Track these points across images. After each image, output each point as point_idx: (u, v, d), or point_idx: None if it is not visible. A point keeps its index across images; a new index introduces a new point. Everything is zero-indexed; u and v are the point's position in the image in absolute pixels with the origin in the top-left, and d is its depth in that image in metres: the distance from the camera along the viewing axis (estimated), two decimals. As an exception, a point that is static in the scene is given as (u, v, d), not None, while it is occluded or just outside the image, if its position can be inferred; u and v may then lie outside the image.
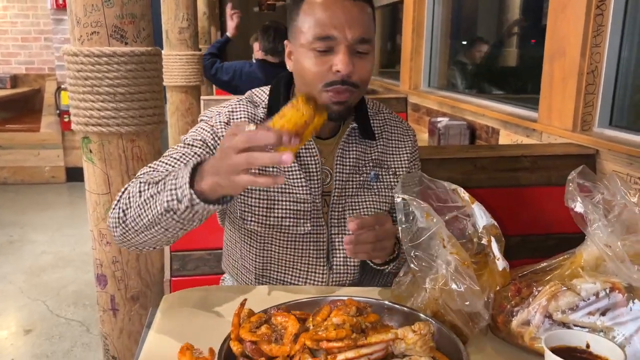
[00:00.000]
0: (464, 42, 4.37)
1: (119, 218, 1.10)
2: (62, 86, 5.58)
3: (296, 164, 1.26)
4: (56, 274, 3.59)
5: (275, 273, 1.33)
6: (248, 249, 1.33)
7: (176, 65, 3.84)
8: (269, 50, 3.79)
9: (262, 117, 1.27)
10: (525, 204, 1.98)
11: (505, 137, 2.79)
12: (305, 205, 1.26)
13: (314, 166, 1.27)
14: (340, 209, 1.30)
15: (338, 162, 1.29)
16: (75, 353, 2.70)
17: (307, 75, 1.18)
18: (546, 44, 2.38)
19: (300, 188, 1.26)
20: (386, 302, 1.07)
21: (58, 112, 5.62)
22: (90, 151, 1.54)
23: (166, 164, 1.19)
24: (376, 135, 1.34)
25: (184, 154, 1.20)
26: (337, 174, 1.29)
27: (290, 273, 1.32)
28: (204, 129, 1.26)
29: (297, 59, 1.21)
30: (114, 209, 1.13)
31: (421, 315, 1.01)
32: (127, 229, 1.09)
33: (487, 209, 1.14)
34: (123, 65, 1.46)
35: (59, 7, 5.62)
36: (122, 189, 1.15)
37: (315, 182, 1.27)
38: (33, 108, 6.37)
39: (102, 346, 1.72)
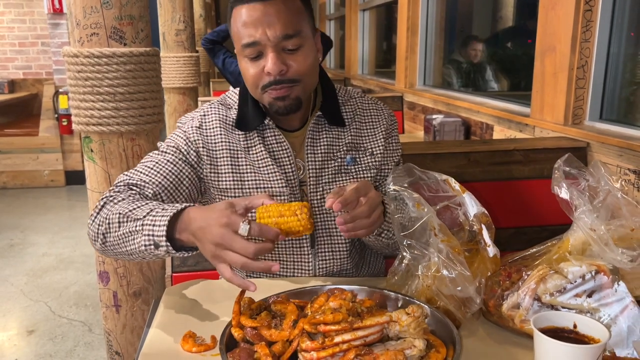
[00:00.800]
0: (459, 41, 4.41)
1: (98, 238, 1.16)
2: (60, 90, 5.61)
3: (269, 159, 1.29)
4: (57, 276, 3.62)
5: (262, 278, 1.34)
6: None
7: (173, 67, 3.88)
8: None
9: (233, 118, 1.32)
10: (519, 197, 2.02)
11: (499, 133, 2.83)
12: (283, 198, 1.29)
13: (287, 159, 1.30)
14: (318, 197, 1.32)
15: (309, 151, 1.31)
16: (78, 352, 2.73)
17: (246, 80, 1.26)
18: (537, 40, 2.42)
19: (276, 182, 1.29)
20: (384, 290, 1.11)
21: (56, 116, 5.66)
22: (91, 150, 1.57)
23: (141, 172, 1.25)
24: (347, 120, 1.36)
25: (157, 162, 1.26)
26: (310, 163, 1.31)
27: (283, 268, 1.34)
28: (178, 136, 1.32)
29: (240, 67, 1.27)
30: (93, 222, 1.18)
31: (415, 300, 1.05)
32: (107, 248, 1.16)
33: (481, 202, 1.17)
34: (122, 65, 1.49)
35: (56, 11, 5.65)
36: (101, 201, 1.19)
37: (291, 175, 1.30)
38: (31, 112, 6.41)
39: (106, 342, 1.75)
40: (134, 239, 1.08)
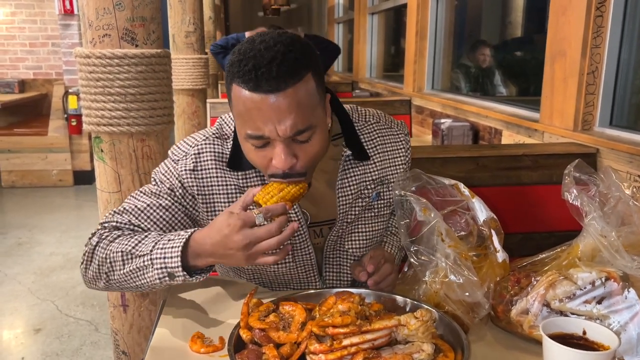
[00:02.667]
0: (467, 45, 4.41)
1: (101, 278, 1.14)
2: (70, 90, 5.65)
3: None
4: (65, 275, 3.64)
5: (270, 291, 1.32)
6: (240, 277, 1.36)
7: (183, 68, 3.90)
8: None
9: (228, 152, 1.20)
10: (527, 202, 2.01)
11: (508, 138, 2.82)
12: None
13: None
14: (339, 235, 1.27)
15: (340, 193, 1.23)
16: (84, 351, 2.75)
17: (252, 162, 1.13)
18: (547, 45, 2.42)
19: None
20: (392, 294, 1.11)
21: (65, 116, 5.69)
22: (102, 150, 1.58)
23: (130, 213, 1.19)
24: (369, 151, 1.26)
25: (149, 205, 1.19)
26: (341, 205, 1.23)
27: (286, 290, 1.33)
28: (171, 175, 1.21)
29: (241, 143, 1.12)
30: (89, 265, 1.15)
31: (423, 304, 1.05)
32: (111, 286, 1.16)
33: (490, 207, 1.17)
34: (134, 66, 1.50)
35: (67, 12, 5.70)
36: (91, 244, 1.16)
37: (294, 219, 1.21)
38: (41, 112, 6.46)
39: (112, 342, 1.75)
40: (144, 274, 1.08)
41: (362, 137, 1.27)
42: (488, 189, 1.97)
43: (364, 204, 1.26)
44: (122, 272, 1.11)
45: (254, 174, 1.20)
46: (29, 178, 5.79)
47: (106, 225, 1.19)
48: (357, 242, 1.29)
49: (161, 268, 1.05)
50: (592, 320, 0.96)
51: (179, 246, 1.04)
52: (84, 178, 5.82)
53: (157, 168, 1.26)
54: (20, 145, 5.70)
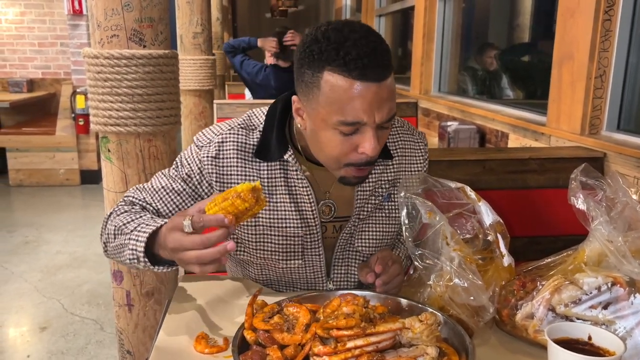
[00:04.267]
0: (475, 48, 4.40)
1: (105, 247, 1.22)
2: (78, 90, 5.68)
3: (287, 197, 1.22)
4: (71, 274, 3.66)
5: (275, 292, 1.33)
6: (247, 274, 1.37)
7: (190, 69, 3.91)
8: (279, 56, 3.89)
9: (254, 143, 1.22)
10: (534, 206, 2.00)
11: (515, 141, 2.82)
12: (296, 239, 1.24)
13: (306, 199, 1.22)
14: (351, 232, 1.29)
15: (359, 188, 1.25)
16: (90, 350, 2.76)
17: (327, 151, 1.12)
18: (555, 49, 2.41)
19: (292, 221, 1.23)
20: (397, 297, 1.11)
21: (73, 115, 5.72)
22: (109, 150, 1.59)
23: (147, 192, 1.25)
24: (392, 152, 1.30)
25: (163, 187, 1.24)
26: (358, 200, 1.26)
27: (292, 290, 1.33)
28: (192, 160, 1.23)
29: (314, 130, 1.11)
30: (102, 234, 1.23)
31: (428, 307, 1.04)
32: (109, 256, 1.23)
33: (496, 210, 1.17)
34: (141, 67, 1.50)
35: (76, 12, 5.73)
36: (111, 211, 1.24)
37: (310, 216, 1.23)
38: (49, 112, 6.49)
39: (117, 341, 1.76)
40: (122, 252, 1.12)
41: (387, 139, 1.28)
42: (494, 192, 1.96)
43: (376, 202, 1.29)
44: (112, 245, 1.16)
45: (278, 166, 1.21)
46: (37, 177, 5.82)
47: (125, 199, 1.26)
48: (368, 240, 1.30)
49: (132, 250, 1.08)
50: (598, 325, 0.96)
51: (147, 232, 1.06)
52: (91, 177, 5.85)
53: (183, 151, 1.29)
54: (28, 144, 5.73)
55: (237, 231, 1.26)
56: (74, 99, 5.68)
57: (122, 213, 1.19)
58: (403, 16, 6.00)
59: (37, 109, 6.39)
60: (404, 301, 1.09)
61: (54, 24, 6.37)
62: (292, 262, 1.27)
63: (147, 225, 1.09)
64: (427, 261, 1.07)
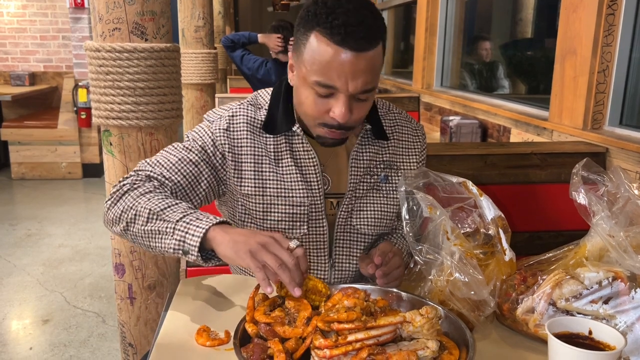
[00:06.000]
0: (477, 42, 4.39)
1: (120, 223, 1.16)
2: (79, 84, 5.68)
3: (294, 168, 1.27)
4: (73, 267, 3.67)
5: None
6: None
7: (192, 63, 3.91)
8: (279, 50, 3.87)
9: (261, 120, 1.28)
10: (535, 201, 2.00)
11: (517, 136, 2.81)
12: (302, 208, 1.28)
13: (312, 169, 1.27)
14: (349, 210, 1.31)
15: (353, 164, 1.30)
16: (92, 342, 2.77)
17: (304, 108, 1.19)
18: (558, 43, 2.40)
19: (298, 192, 1.27)
20: (394, 290, 1.11)
21: (75, 109, 5.72)
22: (111, 144, 1.59)
23: (162, 166, 1.23)
24: (388, 135, 1.35)
25: (180, 159, 1.24)
26: (352, 177, 1.30)
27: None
28: (205, 133, 1.28)
29: (297, 86, 1.20)
30: (114, 206, 1.17)
31: (429, 301, 1.05)
32: (126, 236, 1.17)
33: (497, 205, 1.17)
34: (143, 60, 1.50)
35: (77, 5, 5.72)
36: (123, 186, 1.18)
37: (315, 186, 1.27)
38: (51, 105, 6.50)
39: (119, 334, 1.77)
40: (161, 239, 1.09)
41: (383, 121, 1.35)
42: (496, 187, 1.96)
43: (372, 181, 1.32)
44: (143, 227, 1.12)
45: (284, 139, 1.27)
46: (39, 170, 5.83)
47: (140, 173, 1.22)
48: (366, 219, 1.32)
49: (179, 241, 1.06)
50: (599, 320, 0.96)
51: (204, 228, 1.04)
52: (93, 171, 5.86)
53: (190, 131, 1.31)
54: (31, 138, 5.73)
55: (244, 201, 1.29)
56: (76, 93, 5.68)
57: (147, 193, 1.16)
58: (406, 10, 5.98)
59: (39, 102, 6.39)
60: (404, 295, 1.09)
61: (56, 17, 6.36)
62: (298, 230, 1.29)
63: (197, 218, 1.07)
64: (428, 256, 1.07)
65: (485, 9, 4.59)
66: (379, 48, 1.12)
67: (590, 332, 0.92)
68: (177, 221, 1.07)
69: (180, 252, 1.06)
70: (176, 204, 1.13)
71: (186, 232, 1.05)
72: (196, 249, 1.04)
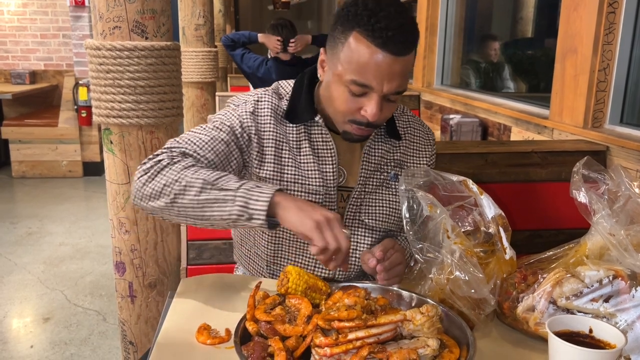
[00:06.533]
0: (477, 41, 4.38)
1: (161, 197, 1.13)
2: (80, 82, 5.68)
3: (311, 157, 1.30)
4: (74, 265, 3.68)
5: (286, 261, 1.36)
6: (261, 236, 1.37)
7: (192, 61, 3.90)
8: (278, 52, 3.86)
9: (284, 109, 1.32)
10: (536, 199, 2.00)
11: (517, 134, 2.81)
12: (317, 197, 1.30)
13: (329, 160, 1.30)
14: (357, 204, 1.34)
15: (364, 158, 1.33)
16: (92, 340, 2.77)
17: (335, 104, 1.23)
18: (558, 42, 2.40)
19: (314, 180, 1.30)
20: (394, 288, 1.11)
21: (76, 107, 5.72)
22: (111, 142, 1.59)
23: (195, 144, 1.22)
24: (400, 135, 1.38)
25: (213, 138, 1.24)
26: (362, 170, 1.33)
27: (300, 261, 1.36)
28: (232, 115, 1.30)
29: (330, 82, 1.23)
30: (150, 181, 1.14)
31: (429, 300, 1.05)
32: (171, 210, 1.13)
33: (498, 203, 1.17)
34: (143, 59, 1.50)
35: (78, 4, 5.72)
36: (160, 161, 1.16)
37: (330, 176, 1.30)
38: (51, 103, 6.49)
39: (120, 332, 1.77)
40: (220, 207, 1.08)
41: (397, 122, 1.39)
42: (497, 186, 1.96)
43: (382, 178, 1.35)
44: (196, 198, 1.10)
45: (303, 129, 1.30)
46: (39, 169, 5.83)
47: (174, 150, 1.21)
48: (374, 214, 1.35)
49: (242, 206, 1.06)
50: (599, 318, 0.96)
51: (269, 193, 1.06)
52: (94, 169, 5.86)
53: (214, 116, 1.33)
54: (31, 136, 5.73)
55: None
56: (77, 91, 5.68)
57: (191, 167, 1.15)
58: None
59: (40, 100, 6.39)
60: (405, 293, 1.09)
61: (56, 15, 6.35)
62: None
63: (257, 186, 1.08)
64: (428, 254, 1.07)
65: (485, 7, 4.58)
66: (413, 53, 1.18)
67: (590, 331, 0.92)
68: (237, 188, 1.08)
69: (244, 217, 1.06)
70: (226, 174, 1.13)
71: (249, 198, 1.06)
72: (264, 213, 1.05)
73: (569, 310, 1.00)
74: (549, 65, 2.54)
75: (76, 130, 5.77)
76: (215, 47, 4.16)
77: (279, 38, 3.82)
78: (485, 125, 3.22)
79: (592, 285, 0.98)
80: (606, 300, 0.98)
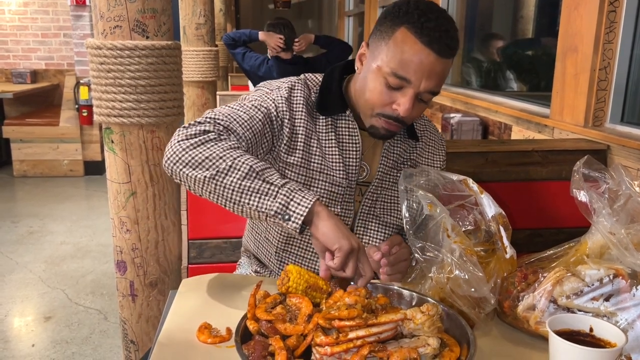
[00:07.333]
0: (478, 39, 4.38)
1: (201, 168, 1.10)
2: (81, 81, 5.68)
3: (336, 149, 1.32)
4: (75, 264, 3.68)
5: (296, 248, 1.38)
6: (266, 236, 1.38)
7: (193, 60, 3.91)
8: (279, 50, 3.85)
9: (313, 100, 1.33)
10: (536, 198, 2.00)
11: (518, 133, 2.81)
12: (340, 188, 1.33)
13: (354, 154, 1.33)
14: (373, 199, 1.37)
15: (384, 155, 1.36)
16: (94, 339, 2.78)
17: (368, 96, 1.25)
18: (559, 41, 2.40)
19: (338, 171, 1.32)
20: (395, 287, 1.11)
21: (77, 106, 5.72)
22: (112, 141, 1.59)
23: (236, 121, 1.21)
24: (418, 137, 1.42)
25: (252, 117, 1.23)
26: (381, 166, 1.36)
27: (310, 249, 1.37)
28: (267, 98, 1.29)
29: (367, 75, 1.25)
30: (192, 150, 1.11)
31: (429, 299, 1.05)
32: (207, 184, 1.10)
33: (498, 202, 1.17)
34: (144, 58, 1.50)
35: (79, 3, 5.72)
36: (206, 132, 1.14)
37: (353, 168, 1.33)
38: (52, 103, 6.50)
39: (121, 331, 1.77)
40: (259, 199, 1.07)
41: (415, 124, 1.44)
42: (497, 185, 1.96)
43: (398, 175, 1.36)
44: (239, 182, 1.08)
45: (330, 122, 1.32)
46: (41, 168, 5.84)
47: (219, 123, 1.19)
48: (389, 210, 1.39)
49: (283, 205, 1.06)
50: (599, 317, 0.96)
51: (311, 200, 1.06)
52: (95, 168, 5.87)
53: (246, 99, 1.30)
54: (32, 135, 5.74)
55: (287, 171, 1.31)
56: (78, 90, 5.68)
57: (237, 147, 1.13)
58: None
59: (41, 100, 6.40)
60: (405, 292, 1.09)
61: (57, 14, 6.35)
62: (331, 209, 1.33)
63: (300, 189, 1.08)
64: (428, 253, 1.08)
65: (486, 6, 4.58)
66: (452, 59, 1.22)
67: (591, 330, 0.92)
68: (282, 186, 1.08)
69: (280, 216, 1.06)
70: (270, 167, 1.12)
71: (291, 199, 1.06)
72: (301, 218, 1.05)
73: (569, 309, 1.00)
74: (550, 64, 2.53)
75: (77, 129, 5.77)
76: (216, 46, 4.16)
77: (281, 37, 3.82)
78: (485, 124, 3.22)
79: (593, 284, 0.98)
80: (607, 299, 0.98)
